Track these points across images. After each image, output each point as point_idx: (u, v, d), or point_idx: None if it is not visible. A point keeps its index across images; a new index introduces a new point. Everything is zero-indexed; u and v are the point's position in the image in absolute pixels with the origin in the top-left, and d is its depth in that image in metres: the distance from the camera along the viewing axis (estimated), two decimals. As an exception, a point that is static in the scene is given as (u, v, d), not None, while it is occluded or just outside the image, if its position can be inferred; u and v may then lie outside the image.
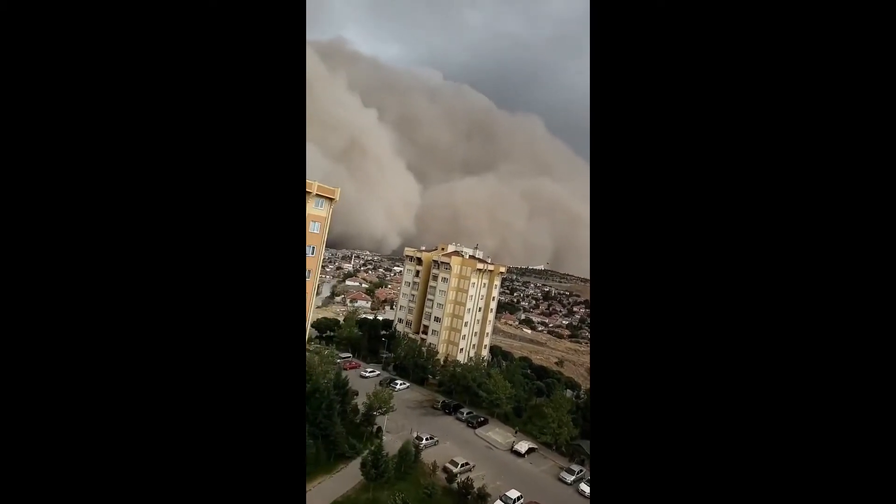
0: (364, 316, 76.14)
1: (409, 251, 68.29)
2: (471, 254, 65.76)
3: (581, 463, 36.60)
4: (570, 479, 33.64)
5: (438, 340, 59.10)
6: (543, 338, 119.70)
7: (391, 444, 33.14)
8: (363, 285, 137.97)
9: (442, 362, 54.44)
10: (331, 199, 32.60)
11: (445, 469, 31.64)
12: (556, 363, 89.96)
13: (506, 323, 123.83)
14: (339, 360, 49.11)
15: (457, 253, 63.05)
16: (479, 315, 63.23)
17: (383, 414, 36.47)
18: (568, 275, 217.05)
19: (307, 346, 34.88)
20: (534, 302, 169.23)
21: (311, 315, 35.01)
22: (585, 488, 32.24)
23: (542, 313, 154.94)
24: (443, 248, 64.70)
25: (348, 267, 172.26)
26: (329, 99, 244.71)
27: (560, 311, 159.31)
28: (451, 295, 59.84)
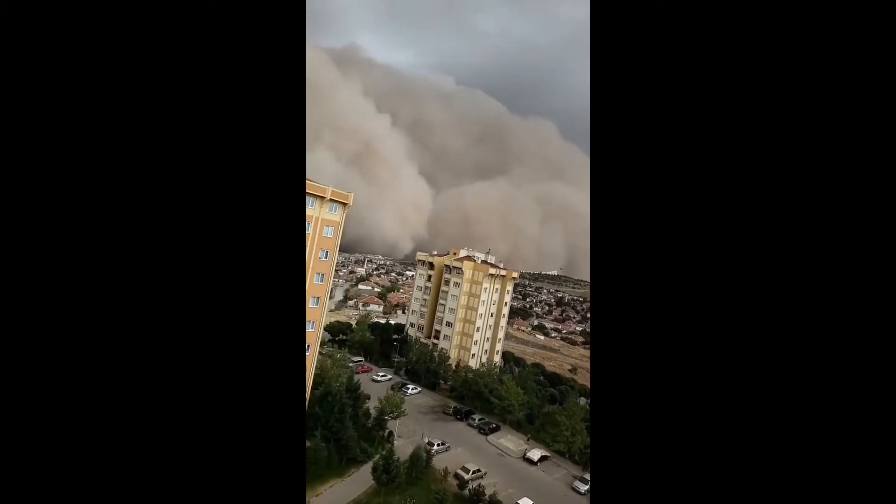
0: (376, 320, 76.45)
1: (421, 256, 68.39)
2: (483, 259, 65.52)
3: (595, 472, 36.01)
4: (584, 488, 33.01)
5: (450, 345, 58.93)
6: (556, 344, 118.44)
7: (402, 448, 33.09)
8: (376, 289, 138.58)
9: (454, 367, 54.24)
10: (344, 204, 32.92)
11: (457, 475, 31.44)
12: (570, 370, 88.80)
13: (518, 329, 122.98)
14: (351, 364, 49.35)
15: (469, 258, 62.91)
16: (492, 320, 62.85)
17: (395, 418, 36.46)
18: (581, 280, 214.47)
19: (320, 350, 35.09)
20: (547, 308, 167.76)
21: (324, 318, 35.23)
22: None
23: (556, 319, 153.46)
24: (455, 253, 64.67)
25: (361, 271, 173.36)
26: (343, 105, 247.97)
27: (573, 318, 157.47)
28: (463, 300, 59.64)
